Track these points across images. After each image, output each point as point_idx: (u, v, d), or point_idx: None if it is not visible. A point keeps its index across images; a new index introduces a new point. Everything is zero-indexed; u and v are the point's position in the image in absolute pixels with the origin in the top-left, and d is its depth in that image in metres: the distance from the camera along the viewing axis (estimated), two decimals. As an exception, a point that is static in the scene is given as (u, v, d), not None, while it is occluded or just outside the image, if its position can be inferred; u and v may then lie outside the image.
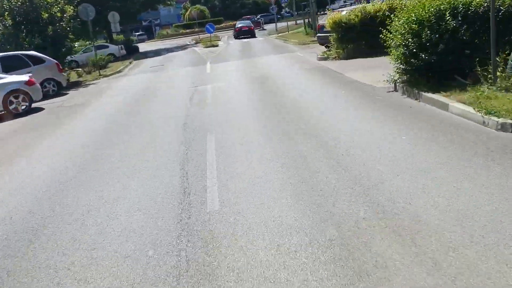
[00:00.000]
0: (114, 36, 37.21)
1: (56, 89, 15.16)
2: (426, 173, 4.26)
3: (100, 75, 19.93)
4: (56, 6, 17.51)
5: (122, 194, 4.85)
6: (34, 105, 12.68)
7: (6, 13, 16.90)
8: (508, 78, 6.25)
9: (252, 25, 40.05)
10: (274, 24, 39.74)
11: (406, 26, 7.43)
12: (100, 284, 3.17)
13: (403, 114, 6.51)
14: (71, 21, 18.12)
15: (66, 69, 19.15)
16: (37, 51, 15.77)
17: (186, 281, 3.05)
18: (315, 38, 21.83)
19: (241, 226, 3.74)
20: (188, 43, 39.20)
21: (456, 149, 4.81)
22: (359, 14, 13.37)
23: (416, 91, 7.28)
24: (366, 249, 3.11)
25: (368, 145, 5.31)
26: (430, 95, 6.91)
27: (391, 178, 4.27)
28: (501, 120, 5.23)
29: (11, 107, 11.62)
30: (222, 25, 56.95)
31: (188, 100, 10.24)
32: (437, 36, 7.06)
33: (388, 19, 8.41)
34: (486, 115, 5.46)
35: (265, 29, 46.14)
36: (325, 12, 38.99)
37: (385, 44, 8.41)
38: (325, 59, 13.91)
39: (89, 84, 17.50)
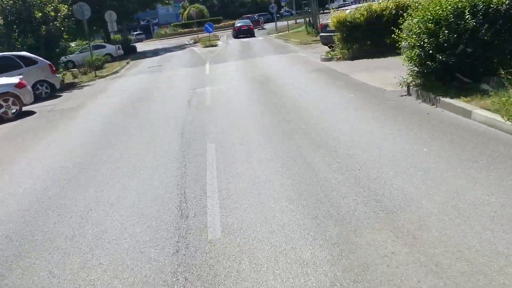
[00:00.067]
0: (112, 35, 36.59)
1: (49, 91, 14.58)
2: (460, 195, 3.71)
3: (96, 76, 19.36)
4: (50, 5, 16.91)
5: (110, 214, 4.30)
6: (25, 108, 12.12)
7: (-2, 12, 16.36)
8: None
9: (251, 24, 39.51)
10: (273, 23, 39.20)
11: (421, 25, 6.88)
12: None
13: (421, 122, 5.95)
14: (66, 20, 17.51)
15: (61, 70, 18.54)
16: (29, 52, 15.21)
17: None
18: (317, 38, 21.30)
19: (248, 260, 3.19)
20: (187, 43, 38.60)
21: (489, 164, 4.26)
22: (365, 12, 12.81)
23: (433, 96, 6.73)
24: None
25: (387, 158, 4.76)
26: (448, 100, 6.37)
27: (419, 199, 3.72)
28: (535, 130, 4.69)
29: (0, 111, 11.04)
30: (221, 24, 56.34)
31: (186, 104, 9.67)
32: (455, 36, 6.52)
33: (401, 18, 7.86)
34: (516, 124, 4.93)
35: (264, 28, 45.57)
36: (324, 11, 38.55)
37: (397, 45, 7.85)
38: (329, 59, 13.36)
39: (84, 86, 16.92)
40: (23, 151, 7.48)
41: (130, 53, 32.11)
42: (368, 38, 13.11)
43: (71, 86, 17.11)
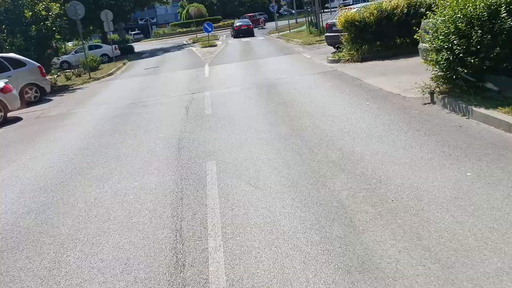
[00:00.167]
0: (111, 35, 35.69)
1: (39, 95, 13.74)
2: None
3: (90, 78, 18.52)
4: (40, 4, 16.06)
5: (87, 259, 3.48)
6: (11, 114, 11.31)
7: (-15, 11, 15.50)
8: None
9: (251, 24, 38.71)
10: (270, 23, 38.38)
11: (450, 25, 6.07)
12: None
13: (455, 137, 5.13)
14: (58, 20, 16.65)
15: (53, 71, 17.73)
16: (19, 53, 14.38)
17: None
18: (321, 38, 20.52)
19: None
20: (185, 43, 37.78)
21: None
22: (375, 11, 12.00)
23: (463, 105, 5.91)
24: None
25: (425, 185, 3.94)
26: (483, 111, 5.55)
27: (480, 247, 2.91)
28: None
29: (-17, 119, 10.23)
30: (220, 23, 55.52)
31: (184, 112, 8.84)
32: (489, 37, 5.72)
33: (424, 17, 7.06)
34: None
35: (265, 28, 44.75)
36: (324, 10, 37.70)
37: (424, 47, 7.04)
38: (337, 61, 12.54)
39: (77, 89, 16.07)
40: None
41: (127, 54, 31.29)
42: (377, 39, 12.32)
43: (63, 89, 16.26)
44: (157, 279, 3.12)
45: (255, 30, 39.69)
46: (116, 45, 31.17)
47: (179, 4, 69.19)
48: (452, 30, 6.02)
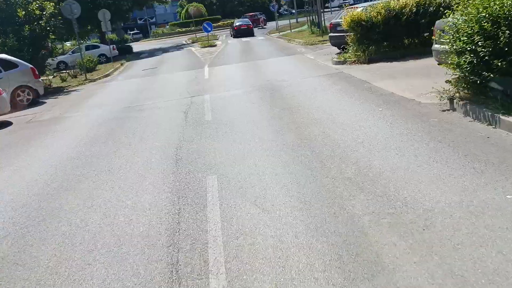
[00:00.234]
0: (109, 35, 35.09)
1: (31, 97, 13.17)
2: None
3: (86, 79, 17.97)
4: (34, 3, 15.49)
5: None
6: (1, 118, 10.77)
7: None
8: None
9: (251, 23, 38.22)
10: (272, 22, 37.85)
11: (474, 25, 5.53)
12: None
13: (484, 150, 4.59)
14: (52, 19, 16.08)
15: (48, 73, 17.20)
16: (11, 54, 13.82)
17: None
18: (323, 38, 20.02)
19: None
20: (185, 43, 37.26)
21: None
22: (382, 11, 11.46)
23: (489, 113, 5.38)
24: None
25: (460, 211, 3.41)
26: (513, 120, 5.02)
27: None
28: None
29: (-30, 123, 9.69)
30: (219, 23, 54.96)
31: (183, 118, 8.30)
32: (518, 38, 5.19)
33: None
34: None
35: (265, 28, 44.21)
36: (324, 10, 37.14)
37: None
38: (342, 63, 12.00)
39: (72, 91, 15.51)
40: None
41: (125, 54, 30.72)
42: (385, 39, 11.78)
43: (58, 91, 15.71)
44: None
45: (255, 30, 39.18)
46: (114, 45, 30.60)
47: (178, 3, 68.61)
48: (477, 31, 5.48)
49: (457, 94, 6.22)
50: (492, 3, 5.44)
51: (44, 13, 15.68)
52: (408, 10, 11.36)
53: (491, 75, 5.42)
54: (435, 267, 2.78)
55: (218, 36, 37.41)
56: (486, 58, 5.40)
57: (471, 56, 5.57)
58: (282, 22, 37.37)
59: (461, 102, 6.03)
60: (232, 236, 3.53)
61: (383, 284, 2.69)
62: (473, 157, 4.43)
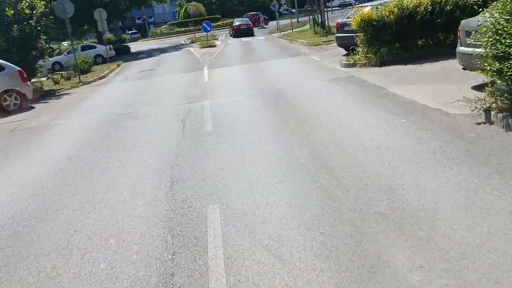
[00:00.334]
0: (106, 35, 34.23)
1: (19, 102, 12.34)
2: None
3: (80, 82, 17.15)
4: (24, 2, 14.65)
5: None
6: (-16, 126, 9.96)
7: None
8: None
9: (250, 23, 37.49)
10: (272, 22, 37.08)
11: (519, 25, 4.74)
12: None
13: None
14: (43, 19, 15.25)
15: (39, 75, 16.39)
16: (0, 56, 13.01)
17: None
18: (328, 38, 19.25)
19: None
20: (183, 43, 36.46)
21: None
22: (395, 10, 10.67)
23: (539, 129, 4.59)
24: None
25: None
26: None
27: None
28: None
29: None
30: (219, 23, 54.12)
31: (180, 128, 7.49)
32: None
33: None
34: None
35: (265, 28, 43.40)
36: (326, 9, 36.31)
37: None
38: (352, 65, 11.19)
39: (63, 95, 14.69)
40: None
41: (123, 54, 29.91)
42: (397, 40, 10.99)
43: (49, 95, 14.90)
44: None
45: (255, 29, 38.40)
46: (111, 45, 29.79)
47: (177, 3, 67.70)
48: (522, 32, 4.70)
49: (495, 105, 5.42)
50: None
51: (34, 12, 14.85)
52: (423, 9, 10.57)
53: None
54: None
55: (217, 36, 36.61)
56: (535, 64, 4.61)
57: (515, 62, 4.78)
58: (283, 22, 36.53)
59: (500, 115, 5.23)
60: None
61: None
62: (533, 188, 3.62)
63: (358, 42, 11.45)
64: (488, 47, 5.20)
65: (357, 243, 3.17)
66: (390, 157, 4.73)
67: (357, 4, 22.87)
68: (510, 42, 4.80)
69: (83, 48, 27.85)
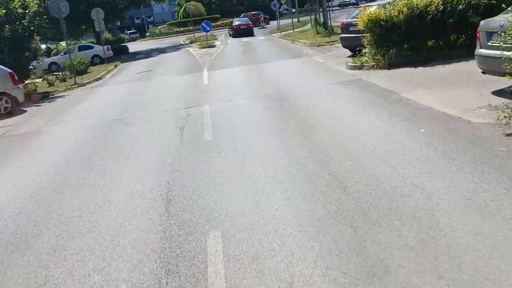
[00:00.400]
0: (103, 35, 33.63)
1: (10, 105, 11.78)
2: None
3: (75, 83, 16.59)
4: (16, 1, 14.09)
5: None
6: (-29, 132, 9.42)
7: None
8: None
9: (250, 23, 36.96)
10: (273, 21, 36.57)
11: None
12: None
13: None
14: (37, 18, 14.69)
15: (32, 76, 15.83)
16: (-11, 57, 12.48)
17: None
18: (330, 39, 18.73)
19: None
20: (182, 43, 35.93)
21: None
22: (405, 9, 10.14)
23: None
24: None
25: None
26: None
27: None
28: None
29: None
30: (218, 22, 53.57)
31: (178, 136, 6.95)
32: None
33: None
34: None
35: (265, 27, 42.85)
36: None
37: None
38: (359, 67, 10.66)
39: (57, 97, 14.13)
40: None
41: (121, 54, 29.32)
42: (407, 41, 10.46)
43: (43, 97, 14.32)
44: None
45: (255, 29, 37.88)
46: (109, 46, 29.21)
47: (176, 2, 67.10)
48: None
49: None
50: None
51: (27, 11, 14.29)
52: (434, 8, 10.05)
53: None
54: None
55: (217, 36, 36.08)
56: None
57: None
58: (283, 22, 35.98)
59: (533, 126, 4.71)
60: None
61: None
62: None
63: (365, 43, 10.92)
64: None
65: (375, 263, 2.64)
66: (414, 175, 4.20)
67: (360, 4, 22.35)
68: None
69: (80, 48, 27.31)
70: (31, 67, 15.44)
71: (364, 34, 11.00)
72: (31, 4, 14.36)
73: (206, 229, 3.71)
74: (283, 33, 28.91)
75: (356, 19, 11.94)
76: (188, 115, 8.34)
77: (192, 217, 3.97)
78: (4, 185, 5.70)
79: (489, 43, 6.34)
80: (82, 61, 20.19)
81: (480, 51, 6.65)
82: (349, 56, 12.62)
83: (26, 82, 15.72)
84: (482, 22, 6.68)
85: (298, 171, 4.72)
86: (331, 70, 11.48)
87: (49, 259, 3.58)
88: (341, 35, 13.69)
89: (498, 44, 5.68)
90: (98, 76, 18.18)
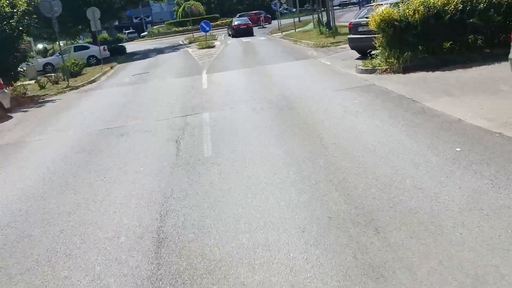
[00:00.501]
0: (100, 35, 32.81)
1: (-6, 111, 11.00)
2: None
3: (68, 86, 15.78)
4: (4, 0, 13.29)
5: None
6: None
7: None
8: None
9: (250, 23, 36.21)
10: (273, 21, 35.82)
11: None
12: None
13: None
14: (26, 18, 13.88)
15: (22, 79, 15.05)
16: (-25, 59, 11.69)
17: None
18: (335, 39, 17.97)
19: None
20: (181, 43, 35.14)
21: None
22: (421, 8, 9.36)
23: None
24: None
25: None
26: None
27: None
28: None
29: None
30: (218, 22, 52.77)
31: (174, 150, 6.16)
32: None
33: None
34: None
35: (265, 27, 42.05)
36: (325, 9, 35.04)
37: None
38: (370, 71, 9.86)
39: (48, 101, 13.32)
40: None
41: (118, 55, 28.51)
42: (422, 42, 9.67)
43: (32, 101, 13.52)
44: None
45: (255, 29, 37.11)
46: (105, 46, 28.41)
47: (175, 1, 66.27)
48: None
49: None
50: None
51: (15, 11, 13.48)
52: (452, 7, 9.28)
53: None
54: None
55: (216, 36, 35.31)
56: None
57: None
58: (283, 21, 35.19)
59: None
60: None
61: None
62: None
63: (377, 45, 10.13)
64: None
65: None
66: (455, 208, 3.41)
67: (362, 4, 21.60)
68: None
69: (76, 49, 26.52)
70: (21, 69, 14.63)
71: (375, 35, 10.22)
72: (20, 3, 13.55)
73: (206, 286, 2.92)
74: (284, 33, 28.13)
75: (365, 19, 11.18)
76: (185, 125, 7.55)
77: (188, 266, 3.18)
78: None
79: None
80: (76, 62, 19.37)
81: (516, 55, 5.87)
82: (358, 58, 11.86)
83: (16, 84, 14.93)
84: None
85: (317, 202, 3.93)
86: (340, 74, 10.69)
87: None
88: (348, 36, 12.90)
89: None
90: (92, 78, 17.36)
